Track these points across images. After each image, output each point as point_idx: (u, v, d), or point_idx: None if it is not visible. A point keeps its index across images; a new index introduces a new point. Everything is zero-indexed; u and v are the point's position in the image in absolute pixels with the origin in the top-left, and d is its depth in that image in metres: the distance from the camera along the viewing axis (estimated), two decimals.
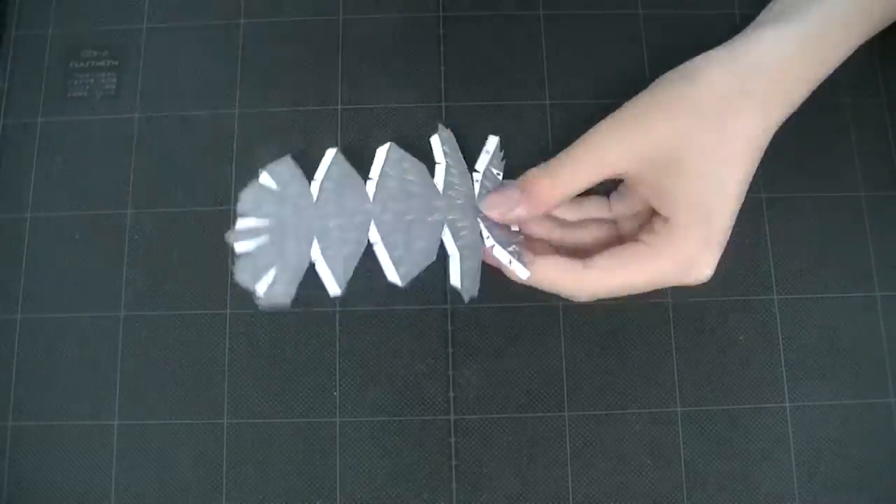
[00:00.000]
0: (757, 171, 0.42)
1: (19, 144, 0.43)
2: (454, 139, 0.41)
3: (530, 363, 0.40)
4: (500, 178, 0.40)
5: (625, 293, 0.37)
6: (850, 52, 0.37)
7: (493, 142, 0.41)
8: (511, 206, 0.37)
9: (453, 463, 0.39)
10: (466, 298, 0.39)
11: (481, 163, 0.41)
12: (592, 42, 0.44)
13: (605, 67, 0.44)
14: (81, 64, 0.44)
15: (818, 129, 0.43)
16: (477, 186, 0.40)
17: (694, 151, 0.35)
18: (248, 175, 0.41)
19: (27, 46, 0.44)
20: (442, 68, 0.44)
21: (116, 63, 0.44)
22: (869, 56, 0.44)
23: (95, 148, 0.43)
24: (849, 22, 0.36)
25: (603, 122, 0.36)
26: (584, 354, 0.40)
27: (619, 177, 0.37)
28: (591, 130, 0.36)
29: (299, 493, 0.39)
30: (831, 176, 0.43)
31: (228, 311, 0.41)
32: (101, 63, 0.44)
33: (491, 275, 0.39)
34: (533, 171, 0.37)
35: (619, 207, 0.40)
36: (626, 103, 0.37)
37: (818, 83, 0.37)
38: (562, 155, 0.37)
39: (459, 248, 0.39)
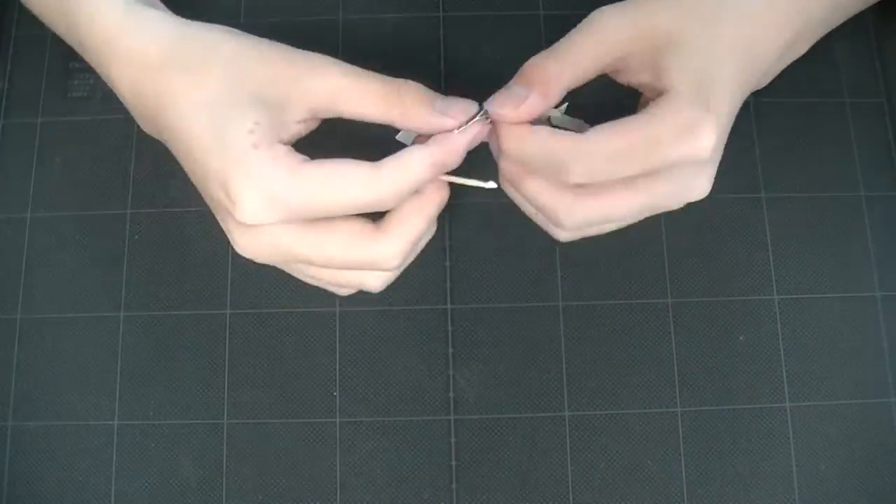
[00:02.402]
0: (757, 170, 0.42)
1: (19, 144, 0.43)
2: None
3: (530, 363, 0.40)
4: None
5: (625, 166, 0.33)
6: None
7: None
8: (518, 102, 0.34)
9: (453, 463, 0.39)
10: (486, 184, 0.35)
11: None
12: None
13: None
14: (81, 64, 0.44)
15: (818, 129, 0.43)
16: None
17: (691, 32, 0.34)
18: None
19: (27, 46, 0.44)
20: (442, 68, 0.44)
21: None
22: (869, 56, 0.44)
23: (95, 148, 0.43)
24: None
25: (600, 9, 0.35)
26: (584, 354, 0.40)
27: (619, 63, 0.35)
28: (588, 18, 0.35)
29: (299, 493, 0.39)
30: (831, 176, 0.43)
31: (228, 311, 0.41)
32: None
33: (491, 275, 0.39)
34: (535, 58, 0.35)
35: None
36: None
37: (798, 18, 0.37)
38: (564, 38, 0.35)
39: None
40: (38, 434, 0.40)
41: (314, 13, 0.44)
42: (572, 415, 0.40)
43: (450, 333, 0.41)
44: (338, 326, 0.41)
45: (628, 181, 0.33)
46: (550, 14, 0.45)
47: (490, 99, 0.35)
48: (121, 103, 0.36)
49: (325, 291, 0.40)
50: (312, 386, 0.40)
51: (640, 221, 0.36)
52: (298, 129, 0.34)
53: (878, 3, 0.42)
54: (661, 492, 0.39)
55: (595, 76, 0.35)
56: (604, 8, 0.35)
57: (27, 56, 0.44)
